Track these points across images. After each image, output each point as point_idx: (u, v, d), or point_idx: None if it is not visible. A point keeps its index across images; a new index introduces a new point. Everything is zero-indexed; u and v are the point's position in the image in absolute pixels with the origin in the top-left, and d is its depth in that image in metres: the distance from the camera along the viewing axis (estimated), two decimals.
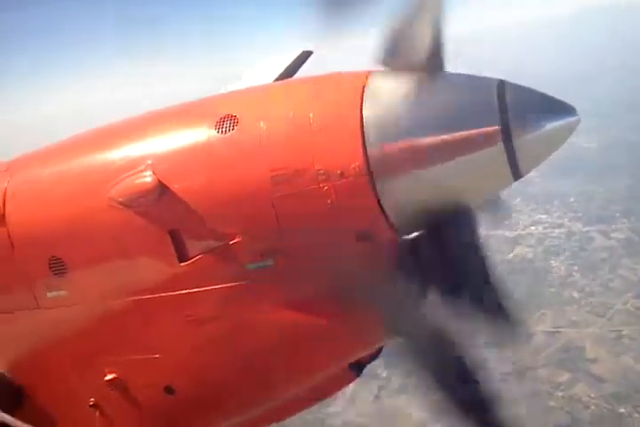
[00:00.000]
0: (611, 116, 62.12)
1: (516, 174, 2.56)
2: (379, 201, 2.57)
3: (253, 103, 2.98)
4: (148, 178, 2.76)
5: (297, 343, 2.92)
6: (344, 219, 2.65)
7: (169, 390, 3.04)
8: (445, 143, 2.50)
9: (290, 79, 6.87)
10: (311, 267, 2.75)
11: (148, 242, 2.84)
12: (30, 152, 3.43)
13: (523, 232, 47.28)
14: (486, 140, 2.48)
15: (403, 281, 2.67)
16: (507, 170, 2.54)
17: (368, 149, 2.55)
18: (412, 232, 2.72)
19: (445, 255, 2.64)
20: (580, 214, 48.62)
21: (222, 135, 2.77)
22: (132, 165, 2.84)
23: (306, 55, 10.01)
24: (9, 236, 2.99)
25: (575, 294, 39.71)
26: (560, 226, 47.74)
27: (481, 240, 2.82)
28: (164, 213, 2.78)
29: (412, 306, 2.74)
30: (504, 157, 2.49)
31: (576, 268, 41.90)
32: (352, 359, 3.21)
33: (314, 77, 3.11)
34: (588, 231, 45.99)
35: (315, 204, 2.63)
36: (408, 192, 2.59)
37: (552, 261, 43.29)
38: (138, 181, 2.78)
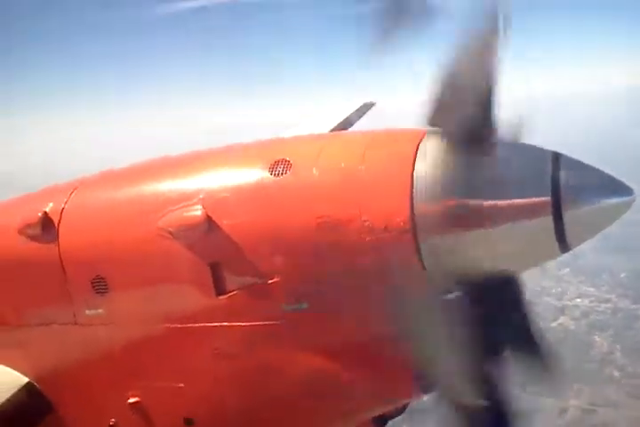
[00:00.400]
0: None
1: (564, 247, 2.54)
2: (420, 258, 2.56)
3: (308, 151, 2.98)
4: (198, 211, 2.81)
5: (321, 391, 2.90)
6: (383, 272, 2.63)
7: (188, 421, 3.03)
8: (493, 208, 2.49)
9: (347, 131, 7.13)
10: (345, 316, 2.75)
11: (188, 272, 2.87)
12: (98, 173, 3.54)
13: (569, 303, 46.33)
14: (535, 211, 2.46)
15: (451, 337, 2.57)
16: (554, 242, 2.51)
17: (415, 206, 2.55)
18: (452, 293, 2.68)
19: (488, 315, 2.57)
20: (629, 291, 47.23)
21: (275, 178, 2.82)
22: (185, 198, 2.90)
23: (367, 107, 10.35)
24: (59, 252, 3.06)
25: (616, 373, 38.42)
26: (607, 301, 46.49)
27: (527, 306, 2.75)
28: (209, 246, 2.81)
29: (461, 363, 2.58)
30: (552, 229, 2.47)
31: (619, 346, 40.62)
32: (376, 414, 3.22)
33: (370, 131, 3.15)
34: (635, 309, 44.66)
35: (355, 254, 2.64)
36: (450, 252, 2.56)
37: (595, 336, 42.13)
38: (188, 214, 2.83)
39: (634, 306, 45.22)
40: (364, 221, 2.60)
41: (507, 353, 2.72)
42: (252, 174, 2.89)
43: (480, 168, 2.57)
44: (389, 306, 2.65)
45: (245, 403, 2.98)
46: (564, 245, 2.54)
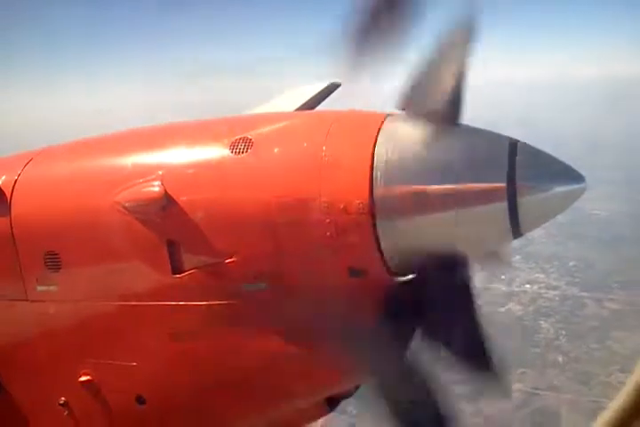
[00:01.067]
0: (624, 186, 62.36)
1: (516, 233, 2.59)
2: (377, 241, 2.58)
3: (270, 129, 2.99)
4: (156, 187, 2.78)
5: (275, 371, 2.89)
6: (340, 253, 2.66)
7: (140, 399, 3.00)
8: (450, 193, 2.53)
9: (311, 111, 7.04)
10: (302, 296, 2.74)
11: (144, 249, 2.85)
12: (56, 145, 3.46)
13: (517, 289, 46.99)
14: (490, 196, 2.51)
15: (388, 323, 2.65)
16: (507, 227, 2.55)
17: (374, 188, 2.57)
18: (407, 275, 2.74)
19: (435, 301, 2.62)
20: (577, 280, 48.45)
21: (235, 156, 2.81)
22: (144, 174, 2.87)
23: (333, 87, 10.26)
24: (11, 226, 3.01)
25: (559, 358, 39.32)
26: (555, 288, 47.55)
27: (474, 291, 2.77)
28: (166, 223, 2.80)
29: (391, 348, 2.70)
30: (506, 215, 2.51)
31: (564, 332, 41.59)
32: (327, 394, 3.18)
33: (334, 112, 3.14)
34: (582, 297, 45.77)
35: (314, 234, 2.65)
36: (407, 236, 2.60)
37: (541, 322, 43.03)
38: (145, 189, 2.81)
39: (581, 293, 46.31)
40: (324, 201, 2.62)
41: (450, 342, 2.71)
42: (213, 152, 2.89)
43: (439, 153, 2.62)
44: (343, 287, 2.69)
45: (199, 383, 2.97)
46: (517, 230, 2.58)
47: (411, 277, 2.74)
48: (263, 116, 3.73)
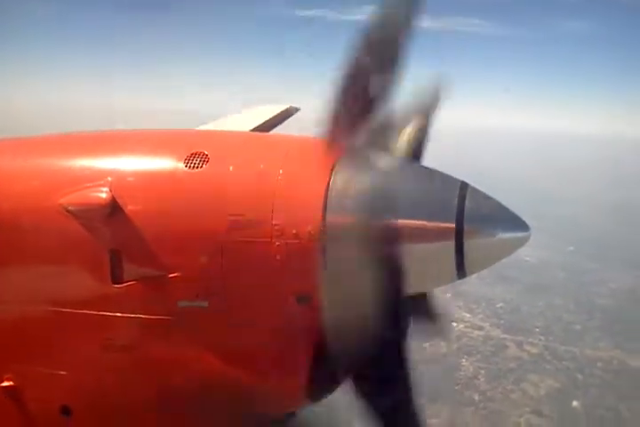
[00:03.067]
0: (557, 237, 64.75)
1: (461, 274, 2.66)
2: (325, 268, 2.57)
3: (229, 147, 2.94)
4: (103, 193, 2.69)
5: (205, 393, 2.81)
6: (288, 277, 2.64)
7: (65, 410, 2.90)
8: (401, 227, 2.54)
9: (271, 133, 7.10)
10: (244, 318, 2.66)
11: (85, 256, 2.74)
12: (3, 140, 3.32)
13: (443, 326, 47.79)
14: (439, 235, 2.54)
15: (327, 353, 2.58)
16: (452, 268, 2.62)
17: (327, 216, 2.57)
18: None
19: (367, 335, 2.52)
20: (501, 321, 49.75)
21: (189, 170, 2.75)
22: (92, 178, 2.77)
23: (293, 111, 10.32)
24: None
25: (475, 397, 40.01)
26: (480, 328, 48.57)
27: (408, 327, 2.82)
28: (110, 231, 2.70)
29: (332, 374, 2.65)
30: (452, 255, 2.57)
31: (483, 372, 42.45)
32: (267, 413, 3.13)
33: (294, 136, 3.14)
34: (504, 339, 46.95)
35: (263, 256, 2.61)
36: (355, 265, 2.55)
37: (463, 360, 43.80)
38: (92, 194, 2.71)
39: (503, 335, 47.46)
40: (275, 224, 2.59)
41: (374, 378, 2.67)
42: (167, 163, 2.79)
43: (393, 188, 2.60)
44: (289, 312, 2.65)
45: (128, 397, 2.87)
46: (461, 271, 2.65)
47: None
48: (222, 134, 3.71)
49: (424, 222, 2.57)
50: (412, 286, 2.72)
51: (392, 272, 2.53)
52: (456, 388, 40.81)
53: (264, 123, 9.32)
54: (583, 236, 68.45)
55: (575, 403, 38.27)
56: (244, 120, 9.57)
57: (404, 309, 2.73)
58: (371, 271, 2.49)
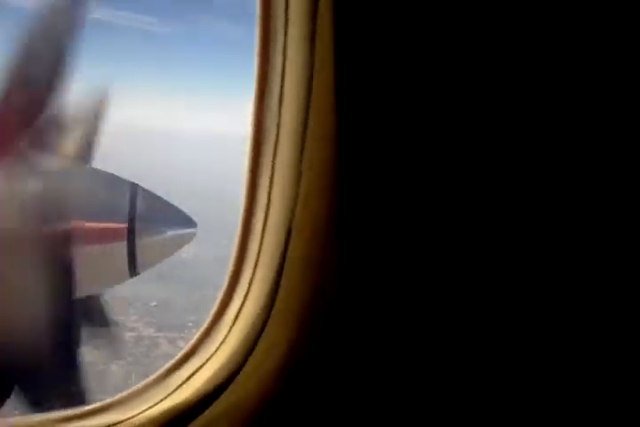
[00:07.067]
0: (213, 231, 69.00)
1: (133, 272, 2.78)
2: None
3: None
4: None
5: None
6: None
7: None
8: (70, 230, 2.57)
9: None
10: None
11: None
12: None
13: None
14: (112, 236, 2.68)
15: None
16: (125, 267, 2.74)
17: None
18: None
19: (34, 340, 2.49)
20: (155, 320, 50.24)
21: None
22: None
23: None
24: None
25: None
26: (132, 330, 48.15)
27: (79, 331, 2.82)
28: None
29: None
30: (124, 255, 2.69)
31: (134, 375, 42.37)
32: None
33: None
34: (157, 337, 47.43)
35: None
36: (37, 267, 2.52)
37: (113, 365, 43.08)
38: None
39: (156, 334, 47.82)
40: None
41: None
42: None
43: (63, 190, 2.65)
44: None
45: None
46: (133, 269, 2.81)
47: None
48: None
49: (95, 224, 2.69)
50: (83, 289, 2.77)
51: (63, 275, 2.58)
52: (105, 396, 40.07)
53: None
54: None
55: None
56: None
57: (74, 312, 2.77)
58: (39, 275, 2.49)
